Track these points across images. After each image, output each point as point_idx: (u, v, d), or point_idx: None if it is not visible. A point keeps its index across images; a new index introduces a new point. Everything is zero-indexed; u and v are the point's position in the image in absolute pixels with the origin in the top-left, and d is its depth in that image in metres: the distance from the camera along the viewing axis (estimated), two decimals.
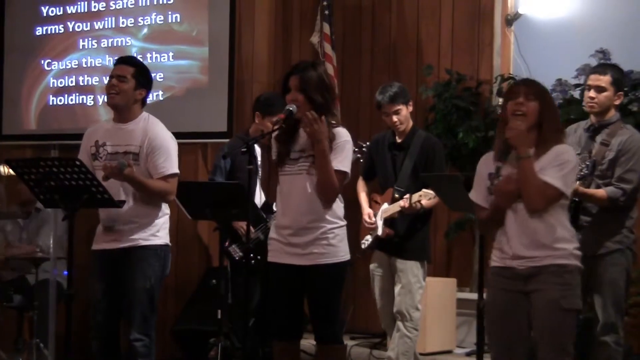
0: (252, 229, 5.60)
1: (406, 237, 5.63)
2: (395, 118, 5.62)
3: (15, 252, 7.12)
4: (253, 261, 5.67)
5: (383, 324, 5.90)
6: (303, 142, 4.58)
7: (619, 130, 4.96)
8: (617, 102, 5.04)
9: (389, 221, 5.62)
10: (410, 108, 5.70)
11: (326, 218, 4.54)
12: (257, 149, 5.59)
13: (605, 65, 5.21)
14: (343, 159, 4.56)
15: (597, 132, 5.01)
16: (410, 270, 5.58)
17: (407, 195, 5.47)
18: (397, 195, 5.57)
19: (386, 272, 5.70)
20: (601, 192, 4.83)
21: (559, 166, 3.99)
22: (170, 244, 5.15)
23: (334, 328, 4.62)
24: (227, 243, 6.00)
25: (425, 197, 5.37)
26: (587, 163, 4.83)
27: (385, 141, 5.77)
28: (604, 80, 4.97)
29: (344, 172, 4.57)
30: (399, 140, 5.71)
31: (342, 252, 4.59)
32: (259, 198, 5.97)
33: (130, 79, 5.04)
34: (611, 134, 4.95)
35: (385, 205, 5.65)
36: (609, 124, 4.99)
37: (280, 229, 4.61)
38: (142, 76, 5.10)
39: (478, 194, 4.20)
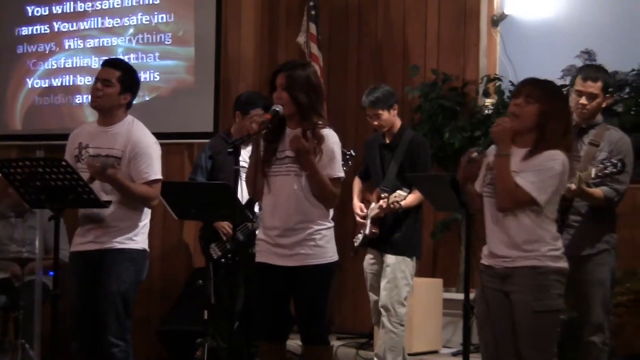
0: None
1: (394, 234, 5.69)
2: (375, 121, 5.75)
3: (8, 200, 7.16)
4: (230, 261, 5.67)
5: (373, 319, 5.96)
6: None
7: (606, 130, 4.96)
8: (604, 105, 5.04)
9: (377, 220, 5.66)
10: (394, 112, 5.78)
11: (314, 219, 4.53)
12: None
13: (596, 70, 5.08)
14: (335, 164, 4.55)
15: (584, 133, 4.99)
16: (398, 265, 5.64)
17: (385, 196, 5.56)
18: (382, 195, 5.62)
19: (378, 268, 5.77)
20: (598, 191, 4.80)
21: (537, 172, 3.91)
22: (148, 249, 5.09)
23: (320, 329, 4.62)
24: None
25: (399, 198, 5.44)
26: (615, 161, 4.68)
27: (377, 142, 5.88)
28: (596, 87, 4.92)
29: (340, 178, 4.58)
30: (387, 141, 5.79)
31: (329, 253, 4.58)
32: (241, 195, 5.95)
33: (116, 83, 4.98)
34: (599, 135, 4.93)
35: (373, 205, 5.70)
36: (595, 125, 4.99)
37: (268, 230, 4.60)
38: (128, 80, 5.04)
39: (477, 181, 4.17)
